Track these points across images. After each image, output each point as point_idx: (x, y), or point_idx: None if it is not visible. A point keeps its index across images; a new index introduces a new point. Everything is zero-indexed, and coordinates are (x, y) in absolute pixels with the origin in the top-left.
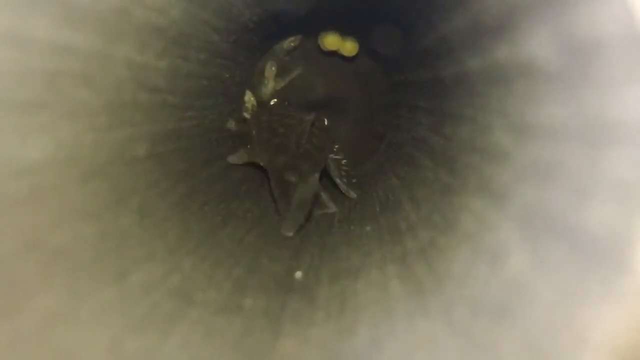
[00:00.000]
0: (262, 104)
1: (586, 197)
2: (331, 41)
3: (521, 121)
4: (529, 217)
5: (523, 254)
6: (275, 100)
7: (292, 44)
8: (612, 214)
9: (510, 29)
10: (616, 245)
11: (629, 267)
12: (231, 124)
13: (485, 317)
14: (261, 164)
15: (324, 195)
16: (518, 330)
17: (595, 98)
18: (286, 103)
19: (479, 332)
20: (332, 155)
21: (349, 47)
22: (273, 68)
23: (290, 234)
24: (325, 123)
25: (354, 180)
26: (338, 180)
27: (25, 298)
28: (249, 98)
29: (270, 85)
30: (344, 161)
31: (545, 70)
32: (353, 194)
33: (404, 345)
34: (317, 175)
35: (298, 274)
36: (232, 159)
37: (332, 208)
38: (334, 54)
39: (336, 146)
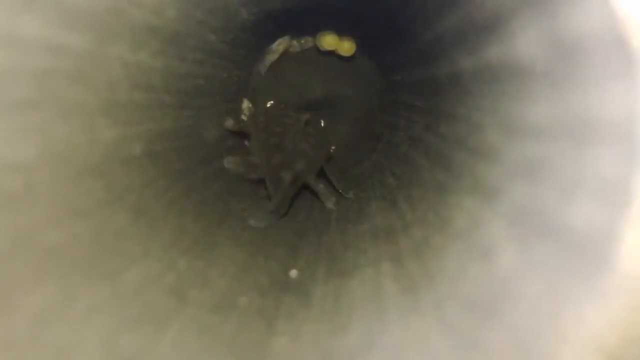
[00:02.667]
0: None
1: (571, 195)
2: (329, 41)
3: (511, 120)
4: (518, 215)
5: (511, 252)
6: (272, 101)
7: (280, 47)
8: (596, 212)
9: (499, 28)
10: (599, 243)
11: (612, 265)
12: (229, 123)
13: (474, 314)
14: (257, 162)
15: (322, 194)
16: (505, 327)
17: (580, 97)
18: (283, 105)
19: (468, 330)
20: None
21: (346, 47)
22: (250, 106)
23: (258, 224)
24: (322, 123)
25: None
26: (335, 181)
27: (18, 297)
28: (246, 106)
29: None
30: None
31: (532, 70)
32: (349, 194)
33: (396, 342)
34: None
35: (293, 273)
36: (228, 162)
37: (330, 207)
38: (332, 53)
39: (333, 147)
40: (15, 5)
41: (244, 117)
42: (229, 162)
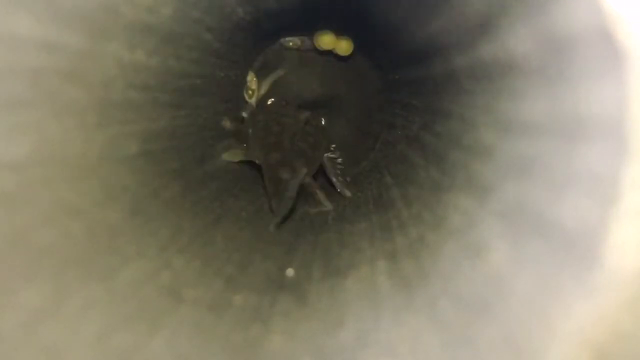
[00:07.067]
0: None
1: (561, 192)
2: (326, 40)
3: (504, 118)
4: (510, 213)
5: (503, 249)
6: (272, 99)
7: (290, 44)
8: (585, 208)
9: (491, 26)
10: (589, 240)
11: (600, 262)
12: (226, 123)
13: (466, 311)
14: (256, 161)
15: (320, 194)
16: (496, 323)
17: (570, 93)
18: (283, 103)
19: (460, 326)
20: (328, 154)
21: (344, 47)
22: (254, 79)
23: (272, 229)
24: (323, 122)
25: (348, 179)
26: (334, 179)
27: (11, 294)
28: (252, 79)
29: (255, 94)
30: (339, 160)
31: (524, 67)
32: (348, 193)
33: (389, 339)
34: (304, 169)
35: (290, 272)
36: (227, 155)
37: (327, 206)
38: (329, 53)
39: (333, 145)
40: (7, 3)
41: (246, 96)
42: (227, 156)
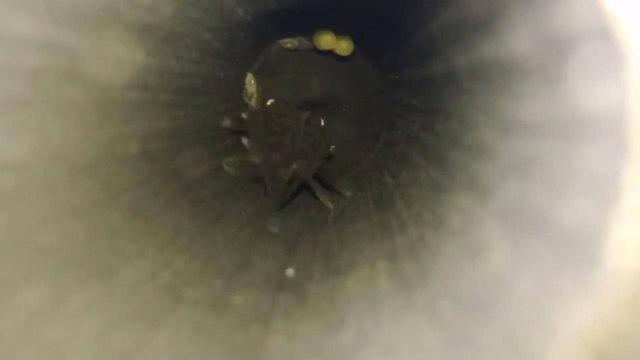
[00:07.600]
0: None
1: (561, 191)
2: (326, 40)
3: (504, 118)
4: (510, 213)
5: (503, 249)
6: (272, 99)
7: (288, 45)
8: (585, 208)
9: (491, 26)
10: (589, 239)
11: (600, 261)
12: (226, 123)
13: (466, 311)
14: (256, 161)
15: (321, 194)
16: (496, 323)
17: (569, 93)
18: (283, 103)
19: (460, 326)
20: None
21: (344, 47)
22: (252, 81)
23: (276, 229)
24: (322, 122)
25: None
26: (328, 181)
27: (11, 295)
28: (250, 81)
29: (254, 96)
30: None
31: (524, 67)
32: (347, 193)
33: (390, 339)
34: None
35: (289, 272)
36: (228, 165)
37: (328, 206)
38: (329, 53)
39: (333, 146)
40: (7, 3)
41: (245, 98)
42: (228, 165)
